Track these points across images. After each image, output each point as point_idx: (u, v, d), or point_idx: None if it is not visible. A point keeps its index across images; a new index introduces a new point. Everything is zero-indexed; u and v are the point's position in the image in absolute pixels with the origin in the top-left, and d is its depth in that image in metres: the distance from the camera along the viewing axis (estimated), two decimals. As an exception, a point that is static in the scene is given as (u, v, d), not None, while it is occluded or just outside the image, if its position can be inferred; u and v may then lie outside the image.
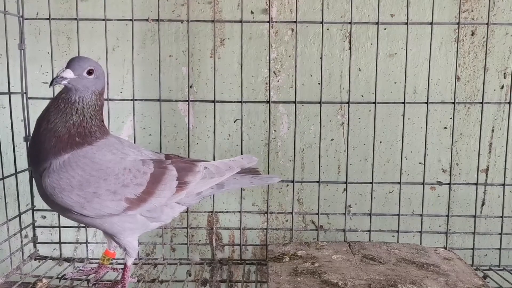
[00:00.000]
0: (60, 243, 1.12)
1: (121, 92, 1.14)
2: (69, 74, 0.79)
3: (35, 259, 1.10)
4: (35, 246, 1.13)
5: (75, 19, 1.05)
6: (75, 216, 0.82)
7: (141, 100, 1.09)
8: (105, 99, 1.05)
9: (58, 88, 1.11)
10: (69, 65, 0.80)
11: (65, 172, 0.78)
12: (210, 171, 0.87)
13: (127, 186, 0.80)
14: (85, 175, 0.78)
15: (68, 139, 0.79)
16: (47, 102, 1.08)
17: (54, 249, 1.15)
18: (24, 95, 1.08)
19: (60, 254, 1.12)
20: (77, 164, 0.78)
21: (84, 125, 0.80)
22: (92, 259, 1.11)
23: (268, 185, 1.10)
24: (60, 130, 0.79)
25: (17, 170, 1.07)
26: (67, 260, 1.10)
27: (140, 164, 0.83)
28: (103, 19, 1.05)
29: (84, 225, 1.12)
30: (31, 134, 1.09)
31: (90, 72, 0.81)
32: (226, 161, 0.89)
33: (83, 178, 0.78)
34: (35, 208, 1.12)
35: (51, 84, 0.79)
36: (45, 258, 1.10)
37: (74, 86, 0.80)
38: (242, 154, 1.03)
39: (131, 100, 1.07)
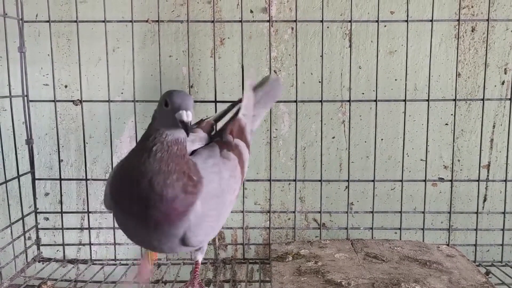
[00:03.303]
0: (63, 244, 1.13)
1: (122, 93, 1.14)
2: (191, 115, 0.69)
3: (39, 261, 1.11)
4: (38, 248, 1.13)
5: (75, 21, 1.05)
6: None
7: (142, 101, 1.09)
8: (106, 101, 1.07)
9: (58, 91, 1.12)
10: (185, 105, 0.69)
11: (205, 221, 0.74)
12: (245, 115, 0.90)
13: (235, 189, 0.82)
14: (217, 210, 0.76)
15: (194, 183, 0.72)
16: (48, 104, 1.11)
17: (57, 251, 1.16)
18: (25, 97, 1.08)
19: (64, 255, 1.13)
20: (209, 206, 0.74)
21: (190, 161, 0.74)
22: (95, 260, 1.11)
23: (270, 184, 1.10)
24: (182, 176, 0.70)
25: (19, 173, 1.08)
26: (71, 261, 1.11)
27: (228, 161, 0.82)
28: (103, 21, 1.05)
29: (86, 227, 1.13)
30: (32, 137, 1.10)
31: None
32: (245, 101, 0.90)
33: (216, 213, 0.77)
34: (38, 210, 1.12)
35: (188, 132, 0.69)
36: (49, 260, 1.11)
37: None
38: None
39: (132, 101, 1.07)
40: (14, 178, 1.06)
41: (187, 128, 0.68)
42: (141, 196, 0.69)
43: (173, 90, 0.71)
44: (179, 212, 0.70)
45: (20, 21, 1.07)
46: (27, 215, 1.10)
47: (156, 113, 0.72)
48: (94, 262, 1.11)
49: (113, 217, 0.87)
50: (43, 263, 1.10)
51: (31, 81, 1.10)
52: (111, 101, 1.08)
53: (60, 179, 1.11)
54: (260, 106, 0.95)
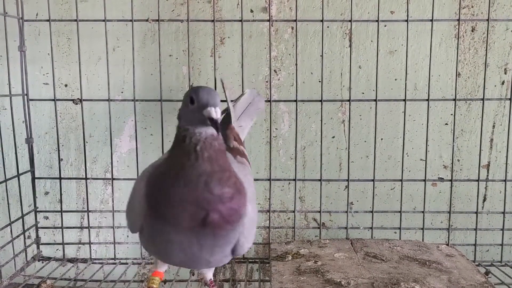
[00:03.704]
0: (63, 244, 1.13)
1: (122, 92, 1.14)
2: (219, 112, 0.66)
3: (39, 260, 1.11)
4: (38, 247, 1.13)
5: (75, 20, 1.05)
6: None
7: (142, 100, 1.09)
8: (106, 100, 1.07)
9: (59, 90, 1.12)
10: (212, 101, 0.66)
11: (253, 225, 0.72)
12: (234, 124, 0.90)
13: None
14: (256, 214, 0.74)
15: (241, 181, 0.69)
16: (48, 103, 1.11)
17: (57, 250, 1.16)
18: (25, 96, 1.08)
19: (64, 255, 1.13)
20: (253, 209, 0.71)
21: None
22: (95, 259, 1.12)
23: (270, 184, 1.10)
24: (232, 174, 0.67)
25: (19, 172, 1.08)
26: (71, 260, 1.11)
27: (246, 166, 0.83)
28: (103, 20, 1.05)
29: (86, 226, 1.13)
30: (32, 136, 1.10)
31: None
32: (231, 112, 0.91)
33: (256, 217, 0.74)
34: (37, 209, 1.13)
35: (219, 130, 0.66)
36: (49, 259, 1.11)
37: None
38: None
39: (132, 100, 1.07)
40: (14, 177, 1.06)
41: (217, 125, 0.64)
42: (200, 201, 0.64)
43: (198, 86, 0.68)
44: (238, 213, 0.66)
45: (20, 20, 1.07)
46: (27, 214, 1.10)
47: (181, 112, 0.69)
48: (94, 261, 1.11)
49: (145, 240, 0.72)
50: (42, 262, 1.10)
51: (31, 80, 1.10)
52: (111, 100, 1.08)
53: (60, 178, 1.11)
54: (245, 118, 0.95)
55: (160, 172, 0.68)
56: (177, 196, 0.64)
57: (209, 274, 0.82)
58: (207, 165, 0.64)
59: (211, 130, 0.66)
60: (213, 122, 0.64)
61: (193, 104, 0.66)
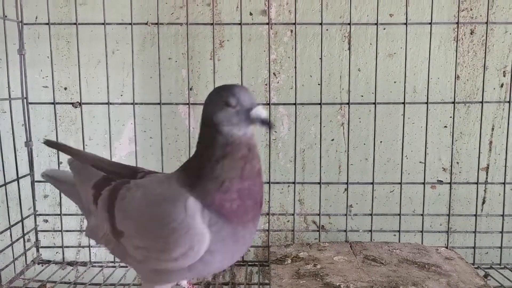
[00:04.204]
0: (62, 247, 1.13)
1: (121, 95, 1.14)
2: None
3: (38, 264, 1.11)
4: (38, 251, 1.13)
5: (75, 23, 1.05)
6: None
7: (141, 103, 1.09)
8: (105, 103, 1.07)
9: (58, 94, 1.12)
10: (254, 101, 0.67)
11: None
12: None
13: None
14: None
15: None
16: (47, 106, 1.11)
17: (56, 253, 1.16)
18: (25, 100, 1.08)
19: (63, 258, 1.13)
20: None
21: None
22: (94, 262, 1.12)
23: (269, 186, 1.10)
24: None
25: (19, 175, 1.08)
26: (70, 264, 1.11)
27: None
28: (103, 23, 1.05)
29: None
30: (32, 139, 1.10)
31: None
32: None
33: None
34: (37, 213, 1.13)
35: (272, 127, 0.67)
36: (48, 262, 1.11)
37: None
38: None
39: (132, 104, 1.07)
40: (13, 181, 1.07)
41: (270, 123, 0.66)
42: (257, 195, 0.68)
43: (230, 86, 0.67)
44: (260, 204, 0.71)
45: (20, 24, 1.07)
46: (27, 217, 1.10)
47: (220, 117, 0.66)
48: (93, 264, 1.11)
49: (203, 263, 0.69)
50: (42, 265, 1.10)
51: (30, 83, 1.10)
52: (111, 103, 1.08)
53: (60, 181, 1.11)
54: None
55: (215, 184, 0.66)
56: (244, 195, 0.66)
57: (184, 281, 0.84)
58: (257, 162, 0.67)
59: (250, 129, 0.67)
60: (265, 121, 0.65)
61: (233, 106, 0.65)
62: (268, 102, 1.08)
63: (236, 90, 0.66)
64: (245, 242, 0.70)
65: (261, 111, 0.65)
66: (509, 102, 1.08)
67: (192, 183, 0.67)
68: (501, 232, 1.11)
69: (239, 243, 0.69)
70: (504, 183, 1.10)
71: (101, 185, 0.75)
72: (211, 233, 0.65)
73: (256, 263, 1.13)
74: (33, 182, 1.12)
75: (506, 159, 1.09)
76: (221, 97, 0.66)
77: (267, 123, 0.66)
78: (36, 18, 1.11)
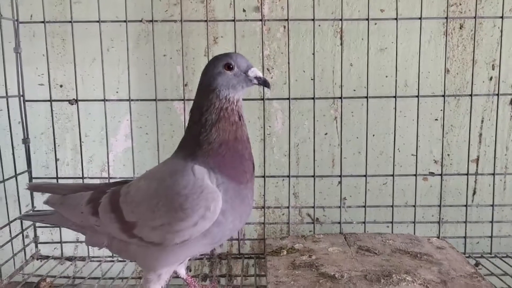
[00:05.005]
0: (61, 242, 1.14)
1: (117, 92, 1.15)
2: None
3: (37, 259, 1.12)
4: (36, 246, 1.14)
5: (70, 21, 1.06)
6: None
7: (137, 100, 1.10)
8: (101, 100, 1.08)
9: (54, 91, 1.13)
10: (250, 63, 0.76)
11: None
12: None
13: None
14: None
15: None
16: (44, 104, 1.12)
17: (55, 248, 1.17)
18: (21, 97, 1.09)
19: (62, 253, 1.14)
20: None
21: None
22: (93, 257, 1.13)
23: (264, 180, 1.12)
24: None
25: (17, 172, 1.09)
26: (69, 259, 1.13)
27: None
28: (97, 21, 1.06)
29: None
30: (28, 137, 1.11)
31: None
32: None
33: None
34: (35, 209, 1.14)
35: (268, 85, 0.76)
36: (47, 257, 1.12)
37: None
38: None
39: (127, 100, 1.08)
40: (11, 177, 1.08)
41: (266, 81, 0.75)
42: (250, 156, 0.75)
43: (228, 54, 0.75)
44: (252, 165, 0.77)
45: (16, 22, 1.08)
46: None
47: (220, 81, 0.73)
48: (92, 259, 1.12)
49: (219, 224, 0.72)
50: (41, 261, 1.12)
51: (26, 81, 1.11)
52: (107, 100, 1.09)
53: (57, 178, 1.13)
54: None
55: (213, 147, 0.72)
56: (239, 156, 0.73)
57: (183, 269, 0.86)
58: (246, 129, 0.75)
59: (235, 93, 0.74)
60: (261, 79, 0.75)
61: (232, 69, 0.74)
62: (262, 98, 1.10)
63: (233, 55, 0.74)
64: (249, 203, 0.75)
65: (257, 71, 0.75)
66: (497, 95, 1.11)
67: (192, 152, 0.73)
68: (491, 222, 1.13)
69: (244, 203, 0.74)
70: (493, 174, 1.12)
71: (97, 197, 0.79)
72: (221, 193, 0.70)
73: (252, 255, 1.15)
74: (30, 179, 1.13)
75: (495, 150, 1.11)
76: (220, 61, 0.74)
77: (264, 81, 0.75)
78: (31, 16, 1.12)
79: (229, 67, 0.73)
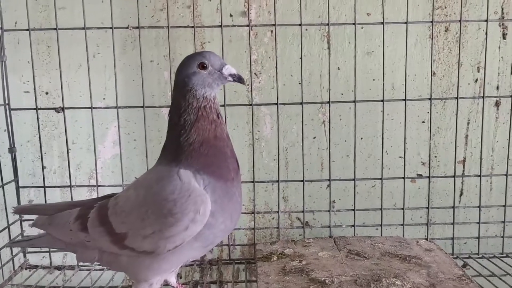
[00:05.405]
0: (49, 251, 1.13)
1: (104, 99, 1.14)
2: None
3: (26, 269, 1.11)
4: (25, 256, 1.13)
5: (55, 29, 1.05)
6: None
7: (124, 107, 1.09)
8: (88, 107, 1.07)
9: (40, 98, 1.11)
10: (223, 60, 0.77)
11: None
12: None
13: None
14: None
15: None
16: (29, 112, 1.10)
17: (43, 257, 1.16)
18: (7, 106, 1.08)
19: (50, 262, 1.13)
20: None
21: None
22: (82, 266, 1.12)
23: (254, 185, 1.12)
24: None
25: (4, 182, 1.07)
26: (58, 268, 1.11)
27: None
28: (83, 28, 1.05)
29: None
30: (14, 145, 1.10)
31: None
32: None
33: None
34: (23, 218, 1.12)
35: (244, 81, 0.77)
36: (36, 267, 1.11)
37: None
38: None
39: (115, 107, 1.07)
40: (-2, 187, 1.07)
41: (241, 77, 0.76)
42: (232, 153, 0.76)
43: (201, 52, 0.75)
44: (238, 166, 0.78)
45: (0, 30, 1.06)
46: (13, 223, 1.10)
47: (195, 80, 0.73)
48: (81, 267, 1.11)
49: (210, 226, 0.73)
50: (30, 270, 1.11)
51: (12, 88, 1.10)
52: (94, 107, 1.08)
53: (44, 187, 1.11)
54: None
55: (195, 147, 0.73)
56: (222, 154, 0.74)
57: (173, 278, 0.86)
58: (225, 127, 0.76)
59: (211, 90, 0.75)
60: (237, 76, 0.75)
61: (206, 68, 0.74)
62: (251, 103, 1.10)
63: (205, 54, 0.75)
64: (238, 200, 0.76)
65: (231, 69, 0.75)
66: (483, 97, 1.12)
67: (175, 157, 0.73)
68: (478, 222, 1.15)
69: (233, 201, 0.74)
70: (480, 175, 1.14)
71: (85, 213, 0.79)
72: (208, 194, 0.71)
73: (242, 261, 1.15)
74: (17, 188, 1.12)
75: (481, 152, 1.13)
76: (194, 61, 0.74)
77: (239, 78, 0.76)
78: (16, 23, 1.10)
79: (203, 66, 0.74)
